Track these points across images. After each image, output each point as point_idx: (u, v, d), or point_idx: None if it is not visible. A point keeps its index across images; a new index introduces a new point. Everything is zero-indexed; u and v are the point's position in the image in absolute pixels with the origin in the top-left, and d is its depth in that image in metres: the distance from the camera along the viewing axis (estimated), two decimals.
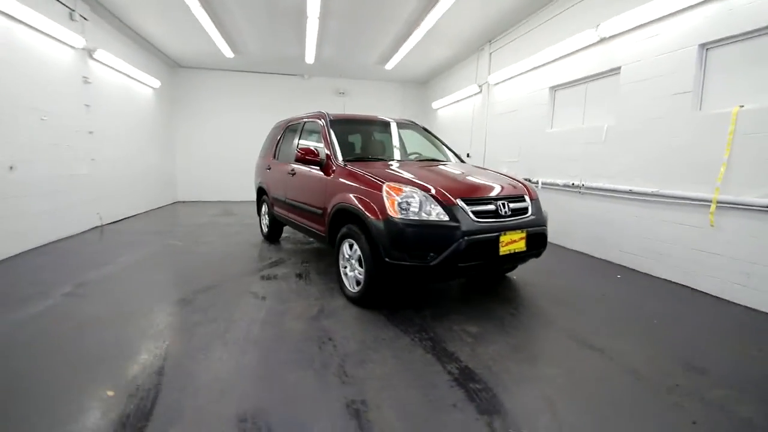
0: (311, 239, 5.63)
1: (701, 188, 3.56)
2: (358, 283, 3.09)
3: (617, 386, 2.09)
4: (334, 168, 3.47)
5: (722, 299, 3.38)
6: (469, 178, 3.29)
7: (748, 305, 3.20)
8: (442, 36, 6.96)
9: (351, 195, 3.09)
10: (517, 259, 3.03)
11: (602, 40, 4.66)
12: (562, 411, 1.85)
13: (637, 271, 4.17)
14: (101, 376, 2.05)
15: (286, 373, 2.12)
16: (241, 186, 10.34)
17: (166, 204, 9.30)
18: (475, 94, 8.04)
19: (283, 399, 1.89)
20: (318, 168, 3.71)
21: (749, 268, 3.21)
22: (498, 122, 7.16)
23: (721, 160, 3.39)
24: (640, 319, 3.00)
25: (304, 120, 4.58)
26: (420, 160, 4.08)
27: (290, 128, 5.03)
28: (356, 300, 3.10)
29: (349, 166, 3.34)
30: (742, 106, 3.26)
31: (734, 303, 3.29)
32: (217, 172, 10.21)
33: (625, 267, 4.32)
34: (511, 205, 2.99)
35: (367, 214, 2.83)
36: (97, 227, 6.12)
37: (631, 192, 4.26)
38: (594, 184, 4.79)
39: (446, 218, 2.68)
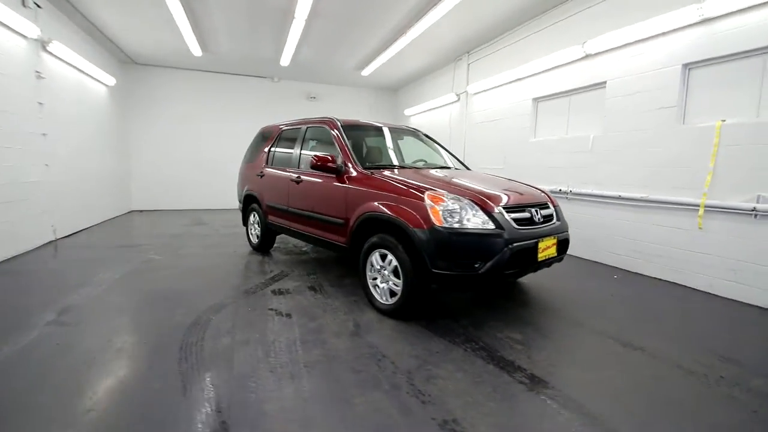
0: (304, 249, 5.40)
1: (688, 194, 3.93)
2: (392, 294, 2.99)
3: (673, 382, 2.21)
4: (355, 175, 3.35)
5: (712, 294, 3.73)
6: (497, 185, 3.33)
7: (736, 299, 3.57)
8: (420, 45, 7.04)
9: (382, 203, 2.99)
10: (547, 264, 3.12)
11: (588, 56, 5.00)
12: (640, 410, 1.92)
13: (630, 272, 4.49)
14: None
15: (356, 397, 1.98)
16: (207, 193, 9.72)
17: (120, 214, 8.43)
18: (453, 103, 8.25)
19: (373, 426, 1.76)
20: (334, 176, 3.56)
21: (735, 266, 3.58)
22: (478, 131, 7.40)
23: (707, 168, 3.76)
24: (655, 316, 3.21)
25: (306, 126, 4.38)
26: (434, 168, 4.06)
27: (286, 134, 4.79)
28: (391, 312, 2.99)
29: (377, 174, 3.25)
30: (724, 121, 3.66)
31: (723, 297, 3.65)
32: (178, 178, 9.46)
33: (617, 268, 4.64)
34: (541, 212, 3.07)
35: (408, 223, 2.75)
36: (51, 242, 5.37)
37: (620, 197, 4.59)
38: (582, 190, 5.10)
39: (491, 226, 2.68)
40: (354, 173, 3.37)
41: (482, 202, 2.77)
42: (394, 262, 2.91)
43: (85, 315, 2.94)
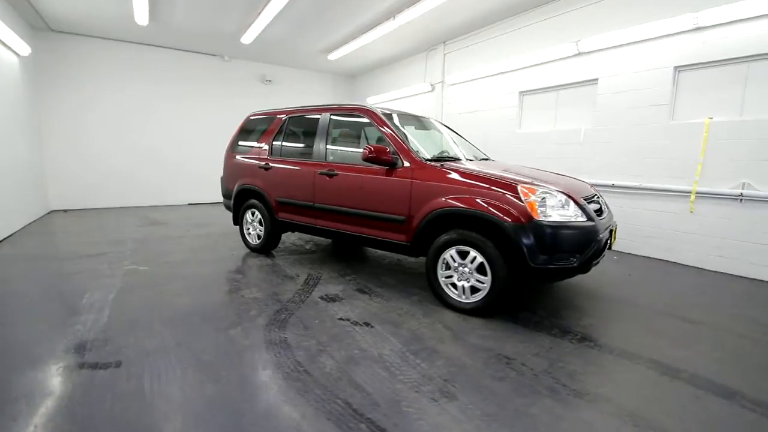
0: (307, 247, 4.97)
1: (679, 182, 4.47)
2: (473, 291, 2.90)
3: (755, 347, 2.51)
4: (420, 169, 3.13)
5: (700, 268, 4.33)
6: (557, 176, 3.39)
7: (723, 271, 4.19)
8: (394, 32, 6.84)
9: (461, 198, 2.85)
10: None
11: (580, 54, 5.34)
12: (750, 372, 2.14)
13: (625, 253, 4.99)
14: None
15: (528, 407, 1.87)
16: (147, 188, 8.45)
17: (40, 216, 6.84)
18: (426, 93, 8.24)
19: None
20: (385, 169, 3.29)
21: (721, 243, 4.20)
22: (457, 121, 7.49)
23: (698, 160, 4.31)
24: (679, 291, 3.62)
25: (329, 114, 3.94)
26: (469, 159, 3.99)
27: (296, 122, 4.31)
28: (472, 311, 2.89)
29: (453, 166, 3.08)
30: (712, 118, 4.21)
31: (710, 270, 4.27)
32: (109, 170, 7.98)
33: (614, 250, 5.12)
34: (600, 202, 3.23)
35: (503, 218, 2.66)
36: None
37: (613, 186, 5.05)
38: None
39: (583, 218, 2.73)
40: (418, 166, 3.15)
41: (571, 194, 2.80)
42: (479, 259, 2.81)
43: (118, 354, 2.31)
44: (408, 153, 3.24)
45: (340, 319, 2.84)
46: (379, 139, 3.53)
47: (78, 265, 3.98)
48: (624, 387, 2.06)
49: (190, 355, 2.28)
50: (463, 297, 2.95)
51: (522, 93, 6.29)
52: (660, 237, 4.70)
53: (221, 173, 5.13)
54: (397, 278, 3.81)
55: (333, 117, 3.94)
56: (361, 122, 3.84)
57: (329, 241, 5.42)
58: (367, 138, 3.91)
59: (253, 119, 4.87)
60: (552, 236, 2.59)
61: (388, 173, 3.29)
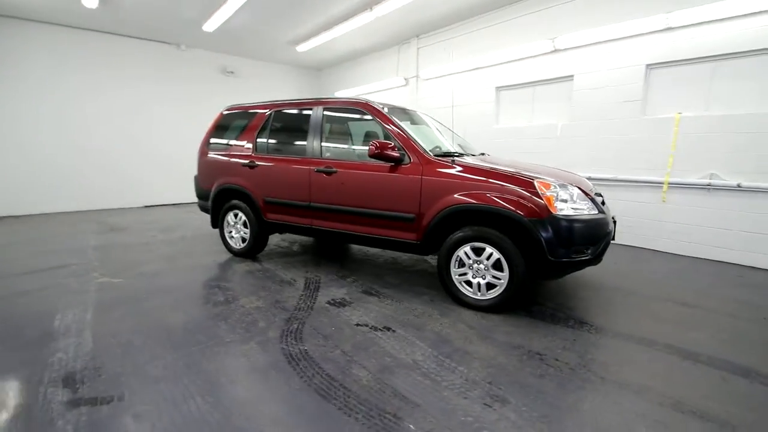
0: (294, 248, 4.72)
1: (653, 173, 4.76)
2: (488, 288, 2.87)
3: (751, 326, 2.70)
4: (430, 165, 3.03)
5: (674, 254, 4.65)
6: (558, 170, 3.44)
7: (692, 255, 4.53)
8: (368, 24, 6.68)
9: (475, 194, 2.80)
10: None
11: (556, 51, 5.51)
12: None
13: None
14: None
15: (581, 402, 1.86)
16: (108, 189, 7.67)
17: None
18: (399, 87, 8.15)
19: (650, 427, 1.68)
20: (390, 166, 3.17)
21: (691, 230, 4.53)
22: (433, 116, 7.48)
23: (669, 152, 4.61)
24: (661, 276, 3.86)
25: (322, 108, 3.72)
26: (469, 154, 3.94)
27: (284, 117, 4.04)
28: (488, 308, 2.87)
29: (464, 162, 3.01)
30: (681, 113, 4.52)
31: (682, 255, 4.60)
32: (58, 171, 7.10)
33: None
34: (601, 194, 3.32)
35: (521, 213, 2.64)
36: None
37: (590, 178, 5.27)
38: None
39: (595, 211, 2.79)
40: (428, 163, 3.05)
41: (582, 188, 2.84)
42: (496, 255, 2.78)
43: (118, 385, 2.01)
44: (415, 149, 3.13)
45: (357, 324, 2.69)
46: (385, 136, 3.37)
47: (39, 281, 3.47)
48: (657, 374, 2.12)
49: (205, 379, 2.03)
50: (479, 294, 2.91)
51: (498, 88, 6.39)
52: (636, 226, 4.99)
53: (195, 173, 4.71)
54: (400, 278, 3.71)
55: (327, 111, 3.73)
56: (359, 117, 3.66)
57: (312, 240, 5.19)
58: (369, 134, 3.74)
59: (229, 114, 4.51)
60: (570, 230, 2.62)
61: (394, 170, 3.16)
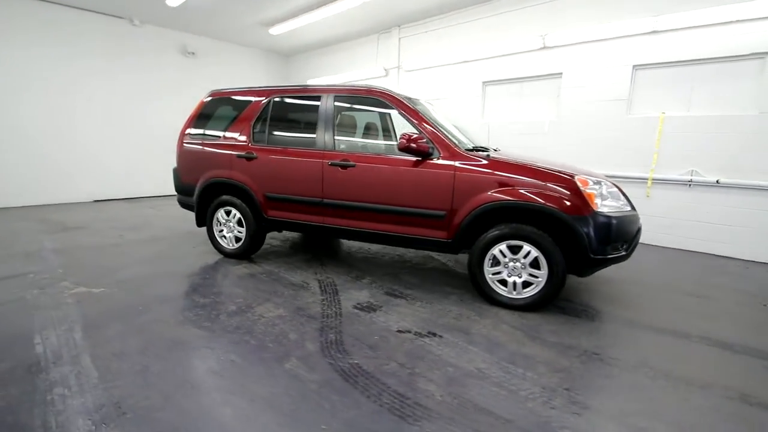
0: (287, 246, 4.38)
1: (637, 170, 5.02)
2: (524, 286, 2.81)
3: (762, 313, 2.90)
4: (464, 159, 2.89)
5: (659, 246, 4.95)
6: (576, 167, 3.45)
7: (675, 247, 4.86)
8: (351, 10, 6.38)
9: (512, 191, 2.72)
10: None
11: (546, 48, 5.60)
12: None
13: None
14: None
15: (664, 401, 1.84)
16: (49, 181, 6.67)
17: None
18: (379, 77, 7.90)
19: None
20: (419, 159, 2.99)
21: (673, 223, 4.85)
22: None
23: (653, 150, 4.88)
24: (657, 267, 4.08)
25: (332, 95, 3.41)
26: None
27: (287, 105, 3.69)
28: (524, 306, 2.81)
29: (499, 157, 2.89)
30: (665, 113, 4.79)
31: (667, 247, 4.91)
32: None
33: None
34: None
35: (564, 211, 2.60)
36: None
37: None
38: None
39: (628, 208, 2.82)
40: (461, 157, 2.90)
41: (616, 185, 2.86)
42: (534, 253, 2.72)
43: (154, 425, 1.65)
44: (445, 142, 2.98)
45: (399, 331, 2.50)
46: (410, 127, 3.16)
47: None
48: (713, 369, 2.17)
49: (265, 407, 1.74)
50: (514, 293, 2.84)
51: (485, 83, 6.40)
52: None
53: (175, 164, 4.18)
54: (417, 276, 3.56)
55: (339, 100, 3.44)
56: (378, 106, 3.43)
57: (300, 236, 4.85)
58: (393, 126, 3.51)
59: (214, 101, 4.03)
60: (610, 226, 2.62)
61: (420, 164, 2.99)
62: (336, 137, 3.37)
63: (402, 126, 3.27)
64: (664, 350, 2.37)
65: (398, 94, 3.26)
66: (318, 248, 4.43)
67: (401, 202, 3.08)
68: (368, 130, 3.79)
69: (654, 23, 4.63)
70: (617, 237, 2.66)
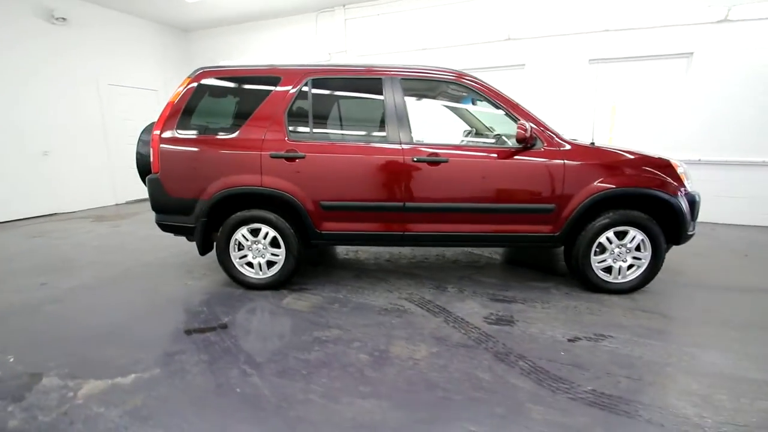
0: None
1: None
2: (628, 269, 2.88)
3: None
4: (569, 148, 2.77)
5: None
6: None
7: None
8: None
9: (624, 178, 2.74)
10: None
11: (510, 39, 5.85)
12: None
13: None
14: None
15: None
16: None
17: None
18: (322, 62, 7.13)
19: None
20: (517, 150, 2.76)
21: None
22: None
23: (608, 136, 5.63)
24: None
25: (400, 80, 2.86)
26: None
27: (336, 87, 2.98)
28: (631, 289, 2.88)
29: (602, 145, 2.85)
30: (616, 105, 5.55)
31: None
32: None
33: None
34: None
35: (671, 193, 2.72)
36: None
37: None
38: None
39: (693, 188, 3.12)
40: (566, 147, 2.77)
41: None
42: (640, 237, 2.81)
43: None
44: (548, 131, 2.82)
45: (570, 340, 2.27)
46: (507, 115, 2.89)
47: None
48: None
49: None
50: (619, 277, 2.89)
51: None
52: None
53: (154, 171, 2.95)
54: (491, 275, 3.34)
55: (408, 85, 2.91)
56: (452, 92, 3.01)
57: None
58: (473, 116, 3.10)
59: (210, 85, 2.96)
60: (695, 205, 2.86)
61: (520, 156, 2.77)
62: (411, 127, 2.85)
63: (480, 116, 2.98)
64: (742, 304, 2.73)
65: (478, 78, 2.94)
66: (328, 259, 3.76)
67: (507, 199, 2.80)
68: (443, 121, 3.34)
69: (606, 23, 5.29)
70: (697, 215, 2.94)
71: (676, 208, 2.73)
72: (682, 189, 2.77)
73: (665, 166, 2.80)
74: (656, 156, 2.85)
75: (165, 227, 3.07)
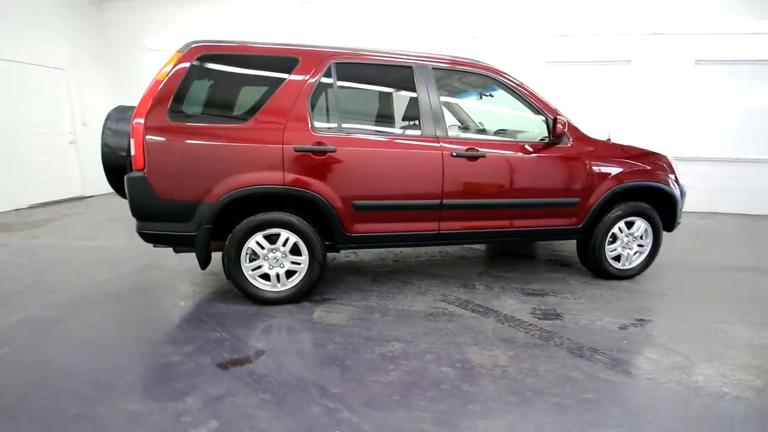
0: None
1: None
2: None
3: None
4: (592, 144, 2.90)
5: None
6: None
7: None
8: None
9: (637, 172, 2.95)
10: None
11: (475, 38, 5.98)
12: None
13: None
14: None
15: None
16: None
17: None
18: None
19: None
20: (545, 145, 2.81)
21: None
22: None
23: None
24: None
25: (431, 70, 2.70)
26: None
27: (363, 75, 2.77)
28: (635, 275, 3.14)
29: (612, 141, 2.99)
30: (573, 106, 6.03)
31: None
32: None
33: None
34: None
35: (668, 185, 3.01)
36: None
37: None
38: None
39: None
40: (590, 142, 2.90)
41: None
42: (644, 226, 3.06)
43: None
44: (573, 127, 2.91)
45: (621, 328, 2.36)
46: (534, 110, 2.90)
47: None
48: None
49: None
50: (626, 264, 3.12)
51: None
52: None
53: (142, 171, 2.34)
54: (496, 268, 3.40)
55: (439, 72, 2.76)
56: (483, 82, 2.94)
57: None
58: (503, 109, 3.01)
59: (206, 67, 2.46)
60: (684, 195, 3.22)
61: (549, 150, 2.82)
62: (446, 119, 2.72)
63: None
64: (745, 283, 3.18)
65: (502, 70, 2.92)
66: (336, 259, 3.49)
67: (541, 193, 2.83)
68: (468, 114, 3.21)
69: (563, 28, 5.71)
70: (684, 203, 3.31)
71: (674, 199, 3.04)
72: (678, 182, 3.09)
73: (663, 160, 3.08)
74: (657, 152, 3.13)
75: (150, 237, 2.48)
